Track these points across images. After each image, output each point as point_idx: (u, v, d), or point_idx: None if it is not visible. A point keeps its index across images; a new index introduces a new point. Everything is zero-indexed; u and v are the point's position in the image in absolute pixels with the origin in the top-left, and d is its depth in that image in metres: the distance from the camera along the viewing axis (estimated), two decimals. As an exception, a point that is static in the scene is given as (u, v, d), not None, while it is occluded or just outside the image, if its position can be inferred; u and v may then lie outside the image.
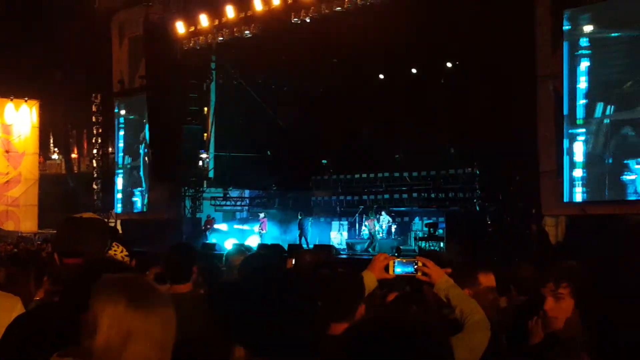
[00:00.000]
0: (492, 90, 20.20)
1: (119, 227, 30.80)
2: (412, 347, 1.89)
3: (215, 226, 29.44)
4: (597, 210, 17.91)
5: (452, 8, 21.54)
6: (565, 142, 18.64)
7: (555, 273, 4.04)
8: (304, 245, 25.42)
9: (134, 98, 31.24)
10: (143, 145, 30.73)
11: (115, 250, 4.15)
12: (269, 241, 25.40)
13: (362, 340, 1.93)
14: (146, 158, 30.46)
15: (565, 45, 18.79)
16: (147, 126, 30.07)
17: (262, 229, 28.81)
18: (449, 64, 27.75)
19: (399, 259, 4.21)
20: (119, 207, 32.35)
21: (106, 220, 28.52)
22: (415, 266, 4.12)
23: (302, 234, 28.14)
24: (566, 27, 18.78)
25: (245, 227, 30.68)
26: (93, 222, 4.03)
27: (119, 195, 32.43)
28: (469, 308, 4.08)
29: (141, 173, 30.94)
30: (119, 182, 32.42)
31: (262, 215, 29.55)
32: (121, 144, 32.39)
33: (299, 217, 28.58)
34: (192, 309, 4.02)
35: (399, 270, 4.17)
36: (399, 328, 1.93)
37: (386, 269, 4.18)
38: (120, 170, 32.37)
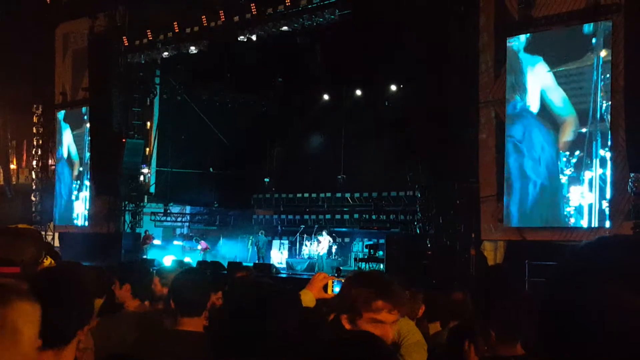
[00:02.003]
0: (435, 114, 20.38)
1: (57, 239, 30.35)
2: None
3: (154, 242, 29.16)
4: (535, 237, 18.10)
5: (397, 31, 21.72)
6: (506, 168, 18.82)
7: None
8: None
9: (76, 110, 30.86)
10: (84, 158, 30.33)
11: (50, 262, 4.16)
12: (209, 259, 25.32)
13: None
14: (87, 171, 30.08)
15: (507, 71, 19.02)
16: (88, 139, 29.70)
17: (206, 249, 28.68)
18: (393, 87, 27.96)
19: (337, 279, 4.20)
20: (58, 220, 31.82)
21: (44, 232, 28.09)
22: (354, 286, 4.10)
23: (258, 251, 28.34)
24: (509, 55, 19.02)
25: (186, 247, 30.45)
26: (28, 232, 4.09)
27: (59, 208, 31.89)
28: (406, 329, 4.08)
29: (82, 186, 30.51)
30: (59, 194, 31.90)
31: (199, 245, 29.15)
32: (62, 156, 31.89)
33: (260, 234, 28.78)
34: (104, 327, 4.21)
35: (337, 289, 4.16)
36: None
37: (325, 288, 4.17)
38: (61, 183, 31.85)
